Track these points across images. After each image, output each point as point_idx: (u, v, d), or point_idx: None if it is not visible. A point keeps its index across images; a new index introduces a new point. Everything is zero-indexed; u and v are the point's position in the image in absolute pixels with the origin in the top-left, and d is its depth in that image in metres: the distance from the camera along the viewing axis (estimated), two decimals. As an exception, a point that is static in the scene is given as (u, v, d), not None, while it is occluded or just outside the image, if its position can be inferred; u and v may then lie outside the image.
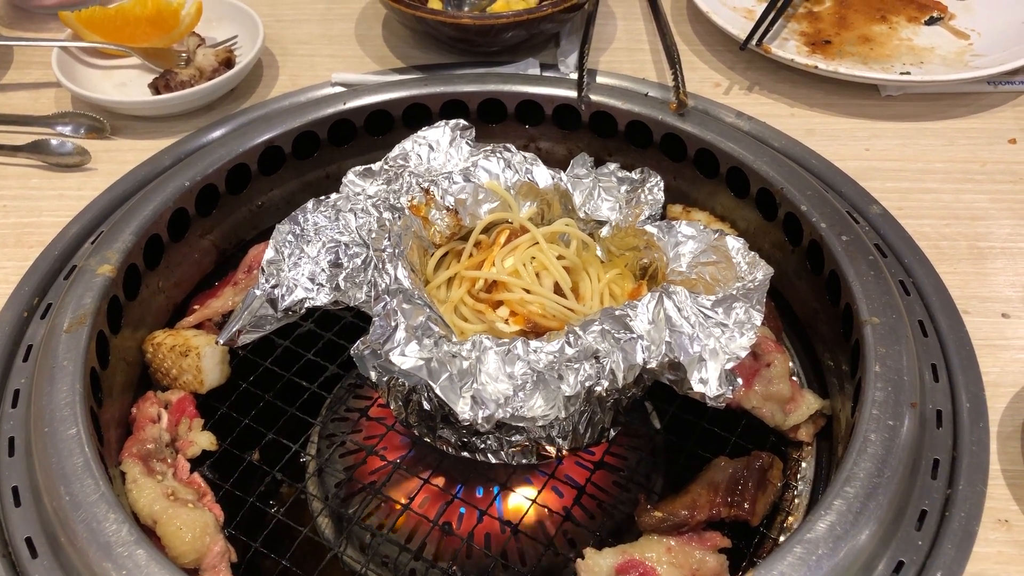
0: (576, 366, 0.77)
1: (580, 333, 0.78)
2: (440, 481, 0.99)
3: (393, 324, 0.79)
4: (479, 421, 0.74)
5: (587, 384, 0.76)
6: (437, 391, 0.75)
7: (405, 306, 0.80)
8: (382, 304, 0.81)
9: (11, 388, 0.92)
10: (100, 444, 0.85)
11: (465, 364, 0.77)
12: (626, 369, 0.77)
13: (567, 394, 0.76)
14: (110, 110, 1.24)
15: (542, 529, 0.98)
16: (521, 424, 0.76)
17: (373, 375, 0.79)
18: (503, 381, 0.76)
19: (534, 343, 0.78)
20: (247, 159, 1.12)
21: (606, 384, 0.77)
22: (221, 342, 0.86)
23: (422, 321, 0.79)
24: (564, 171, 1.00)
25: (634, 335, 0.78)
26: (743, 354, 0.78)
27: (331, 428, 1.09)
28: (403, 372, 0.76)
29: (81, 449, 0.80)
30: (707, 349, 0.77)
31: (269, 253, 0.86)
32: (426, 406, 0.81)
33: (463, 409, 0.74)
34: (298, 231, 0.87)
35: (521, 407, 0.75)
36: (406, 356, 0.77)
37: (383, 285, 0.83)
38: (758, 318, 0.80)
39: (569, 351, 0.78)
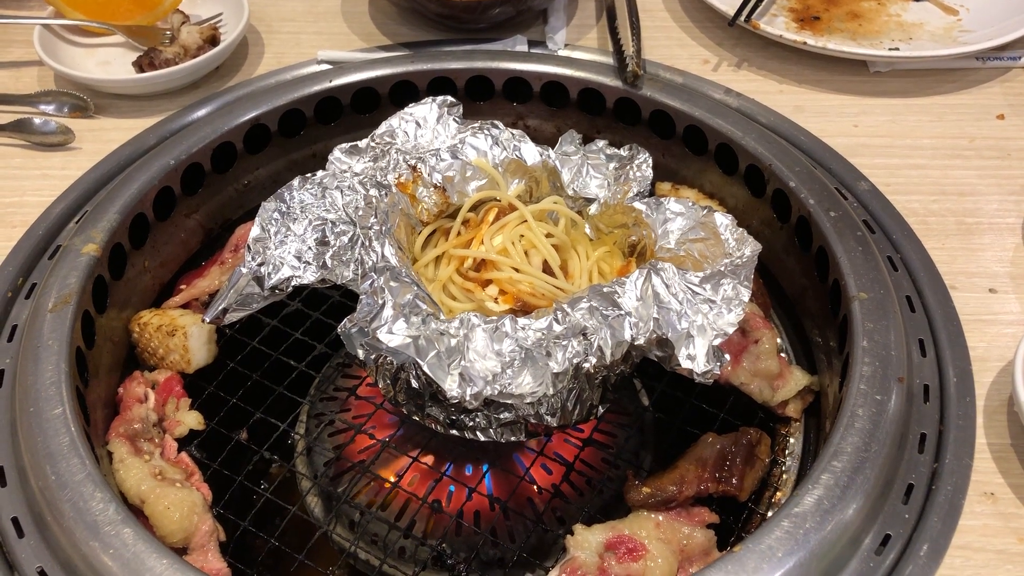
0: (564, 343, 0.77)
1: (568, 310, 0.78)
2: (429, 459, 0.99)
3: (380, 302, 0.78)
4: (467, 398, 0.74)
5: (575, 361, 0.76)
6: (425, 369, 0.75)
7: (392, 284, 0.79)
8: (369, 282, 0.80)
9: (-4, 368, 0.91)
10: (86, 424, 0.84)
11: (453, 342, 0.76)
12: (614, 345, 0.77)
13: (555, 371, 0.76)
14: (94, 89, 1.23)
15: (531, 506, 0.99)
16: (509, 401, 0.76)
17: (361, 353, 0.79)
18: (491, 358, 0.76)
19: (522, 320, 0.78)
20: (233, 137, 1.11)
21: (594, 361, 0.77)
22: (207, 320, 0.85)
23: (409, 299, 0.78)
24: (552, 148, 0.99)
25: (622, 312, 0.78)
26: (731, 330, 0.78)
27: (320, 407, 1.09)
28: (390, 350, 0.76)
29: (67, 429, 0.80)
30: (695, 325, 0.77)
31: (255, 231, 0.86)
32: (414, 384, 0.81)
33: (451, 387, 0.74)
34: (284, 209, 0.87)
35: (509, 384, 0.75)
36: (394, 334, 0.77)
37: (370, 263, 0.82)
38: (746, 294, 0.80)
39: (557, 328, 0.77)
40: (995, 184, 1.10)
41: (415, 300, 0.78)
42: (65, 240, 1.01)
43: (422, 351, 0.75)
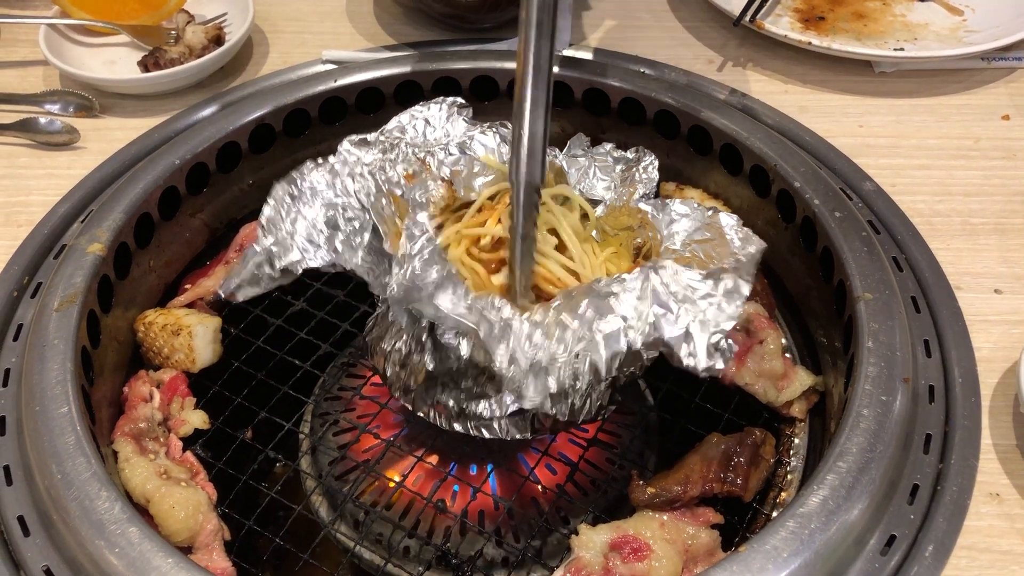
0: (558, 365, 0.77)
1: (567, 322, 0.78)
2: (434, 459, 0.99)
3: (433, 266, 0.77)
4: (512, 374, 0.74)
5: (566, 384, 0.77)
6: (482, 335, 0.74)
7: (436, 252, 0.78)
8: (418, 248, 0.78)
9: (1, 367, 0.91)
10: (92, 423, 0.84)
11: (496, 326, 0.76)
12: (608, 358, 0.77)
13: (552, 391, 0.76)
14: (99, 88, 1.23)
15: (536, 506, 0.99)
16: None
17: (403, 320, 0.78)
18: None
19: (536, 335, 0.78)
20: (237, 137, 1.12)
21: (589, 378, 0.78)
22: (222, 295, 0.86)
23: (451, 271, 0.77)
24: (558, 149, 0.99)
25: (616, 327, 0.77)
26: (729, 325, 0.77)
27: (324, 407, 1.09)
28: (445, 316, 0.75)
29: (73, 427, 0.80)
30: (694, 322, 0.77)
31: (267, 211, 0.85)
32: (429, 366, 0.80)
33: (501, 359, 0.74)
34: (295, 192, 0.87)
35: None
36: (450, 302, 0.75)
37: (418, 232, 0.80)
38: (746, 288, 0.79)
39: (555, 348, 0.77)
40: (1000, 184, 1.10)
41: (453, 273, 0.78)
42: (70, 239, 1.01)
43: (478, 324, 0.75)
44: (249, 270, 0.84)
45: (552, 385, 0.76)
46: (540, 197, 0.82)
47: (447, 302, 0.75)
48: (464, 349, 0.78)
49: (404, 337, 0.83)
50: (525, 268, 0.85)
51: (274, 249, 0.84)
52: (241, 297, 0.85)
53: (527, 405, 0.77)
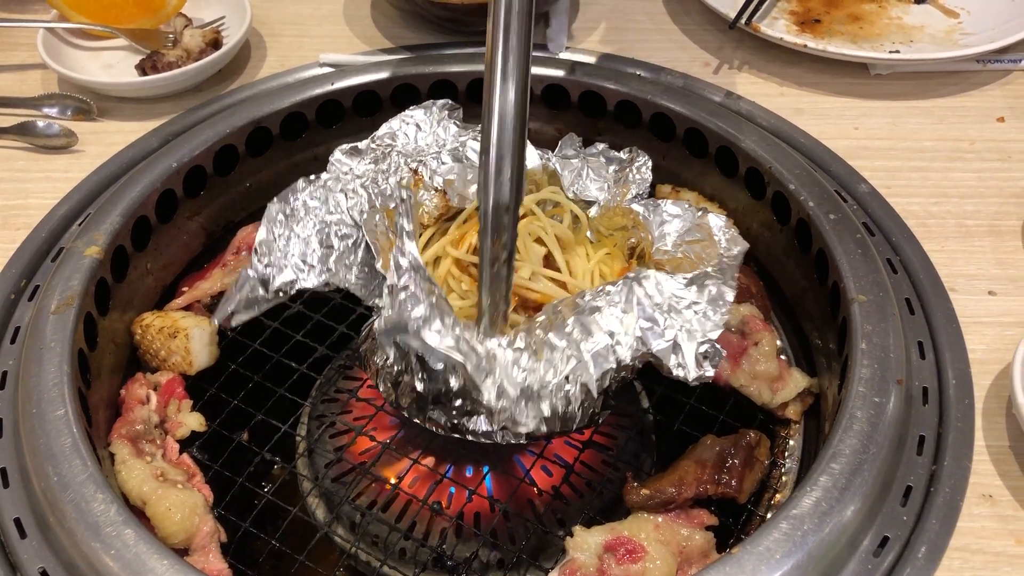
0: (548, 390, 0.78)
1: (554, 342, 0.78)
2: (430, 461, 0.99)
3: (419, 301, 0.76)
4: (500, 407, 0.76)
5: (559, 408, 0.78)
6: (469, 370, 0.74)
7: (422, 284, 0.77)
8: (404, 279, 0.77)
9: (-1, 370, 0.92)
10: (88, 425, 0.85)
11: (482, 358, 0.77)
12: (599, 377, 0.78)
13: (545, 415, 0.78)
14: (97, 92, 1.23)
15: (531, 508, 0.99)
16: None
17: (391, 353, 0.78)
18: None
19: (524, 361, 0.78)
20: (235, 140, 1.12)
21: (581, 398, 0.78)
22: (216, 322, 0.87)
23: (438, 299, 0.77)
24: (552, 151, 0.99)
25: (602, 344, 0.78)
26: (716, 335, 0.78)
27: (321, 409, 1.09)
28: (430, 349, 0.74)
29: (69, 430, 0.80)
30: (681, 333, 0.78)
31: (261, 233, 0.86)
32: (419, 387, 0.80)
33: (489, 394, 0.75)
34: (288, 211, 0.87)
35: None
36: (438, 335, 0.75)
37: (405, 263, 0.78)
38: (730, 295, 0.80)
39: (544, 371, 0.78)
40: (995, 186, 1.10)
41: (442, 302, 0.77)
42: (68, 242, 1.01)
43: (467, 356, 0.75)
44: (244, 294, 0.85)
45: (546, 410, 0.77)
46: (512, 218, 0.74)
47: (434, 336, 0.74)
48: (453, 383, 0.78)
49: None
50: (495, 295, 0.77)
51: (268, 272, 0.84)
52: (237, 323, 0.85)
53: (522, 430, 0.78)
